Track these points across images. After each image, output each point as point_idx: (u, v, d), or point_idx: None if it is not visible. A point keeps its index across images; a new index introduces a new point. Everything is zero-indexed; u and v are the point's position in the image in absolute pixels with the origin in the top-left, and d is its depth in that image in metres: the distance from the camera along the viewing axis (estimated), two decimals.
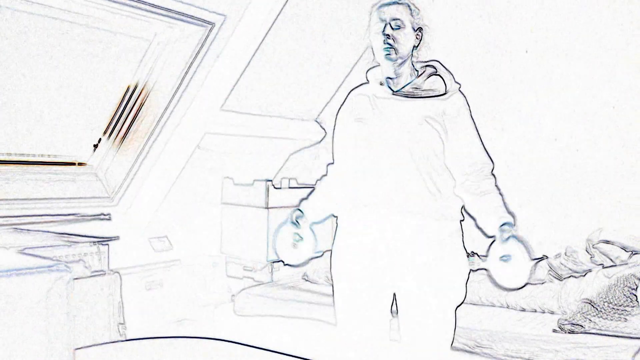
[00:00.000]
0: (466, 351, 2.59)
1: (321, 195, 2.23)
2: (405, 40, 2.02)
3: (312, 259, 2.24)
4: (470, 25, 3.56)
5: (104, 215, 3.36)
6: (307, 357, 2.85)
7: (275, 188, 3.76)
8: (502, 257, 1.94)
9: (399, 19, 2.02)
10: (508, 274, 1.97)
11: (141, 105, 3.31)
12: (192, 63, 3.13)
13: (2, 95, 2.82)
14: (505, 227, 1.96)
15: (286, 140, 4.06)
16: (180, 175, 3.61)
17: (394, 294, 2.05)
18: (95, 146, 3.39)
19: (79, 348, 2.80)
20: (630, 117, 3.16)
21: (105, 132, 3.37)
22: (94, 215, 3.31)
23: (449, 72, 2.11)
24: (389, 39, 2.00)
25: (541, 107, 3.39)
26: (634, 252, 3.04)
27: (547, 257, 3.28)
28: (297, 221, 2.20)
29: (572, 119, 3.32)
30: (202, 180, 3.82)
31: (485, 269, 3.30)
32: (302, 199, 2.28)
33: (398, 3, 2.04)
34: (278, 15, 3.20)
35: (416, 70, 2.09)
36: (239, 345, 3.00)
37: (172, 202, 3.68)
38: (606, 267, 2.96)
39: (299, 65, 3.67)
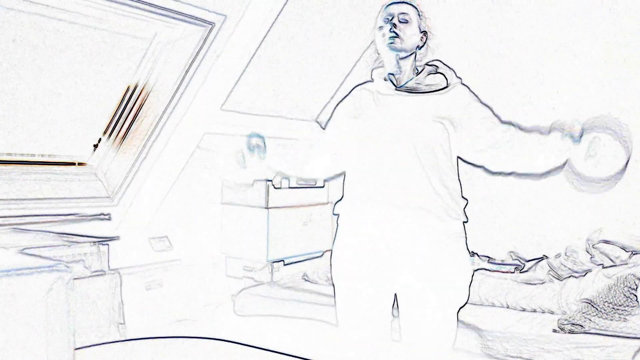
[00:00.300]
0: (466, 351, 2.59)
1: (293, 151, 2.29)
2: (410, 34, 2.04)
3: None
4: (471, 26, 3.56)
5: (104, 215, 3.36)
6: (307, 357, 2.86)
7: (275, 188, 3.76)
8: (589, 148, 1.92)
9: (406, 13, 2.04)
10: (602, 161, 1.97)
11: (141, 105, 3.31)
12: (192, 63, 3.13)
13: (2, 96, 2.82)
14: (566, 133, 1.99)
15: (286, 140, 4.05)
16: (180, 175, 3.61)
17: (395, 294, 2.05)
18: (95, 146, 3.39)
19: (79, 348, 2.80)
20: (630, 117, 3.16)
21: (105, 132, 3.37)
22: (94, 215, 3.31)
23: (450, 68, 2.13)
24: (395, 27, 2.01)
25: (541, 108, 3.39)
26: (634, 252, 3.04)
27: (547, 257, 3.28)
28: (254, 149, 2.25)
29: (572, 119, 3.31)
30: (202, 180, 3.82)
31: (487, 269, 3.30)
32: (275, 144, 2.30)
33: (406, 3, 2.07)
34: (278, 15, 3.20)
35: (418, 71, 2.10)
36: (239, 345, 3.00)
37: (172, 202, 3.68)
38: (606, 267, 2.96)
39: (299, 65, 3.67)
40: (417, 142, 1.98)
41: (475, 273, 3.23)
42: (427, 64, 2.13)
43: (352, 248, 2.06)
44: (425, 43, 2.10)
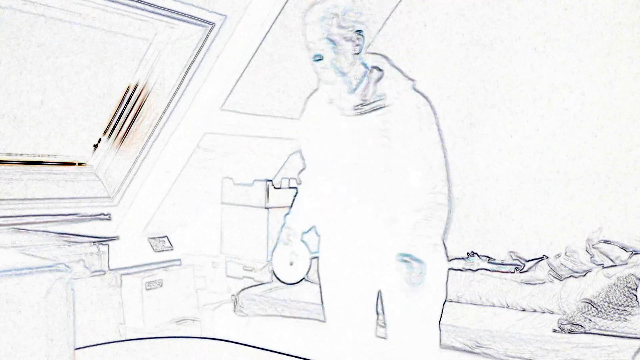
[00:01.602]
0: (466, 351, 2.59)
1: (302, 206, 2.20)
2: (338, 59, 1.93)
3: (309, 269, 2.30)
4: (466, 25, 3.56)
5: (104, 215, 3.36)
6: (307, 357, 2.86)
7: (275, 188, 3.76)
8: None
9: (321, 57, 1.93)
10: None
11: (141, 105, 3.31)
12: (192, 63, 3.13)
13: (2, 95, 2.82)
14: None
15: (286, 140, 4.05)
16: (180, 175, 3.61)
17: (380, 292, 2.06)
18: (95, 146, 3.39)
19: (79, 348, 2.80)
20: (630, 117, 3.16)
21: (105, 132, 3.37)
22: (94, 215, 3.31)
23: (398, 68, 1.99)
24: (318, 60, 1.95)
25: (541, 107, 3.39)
26: (634, 252, 3.04)
27: (547, 257, 3.28)
28: (289, 239, 2.19)
29: (573, 119, 3.32)
30: (202, 180, 3.82)
31: (487, 269, 3.31)
32: (286, 214, 2.27)
33: (323, 20, 1.94)
34: (278, 15, 3.20)
35: (366, 67, 1.98)
36: (239, 345, 3.00)
37: (172, 202, 3.68)
38: (606, 267, 2.96)
39: (299, 65, 3.67)
40: (365, 163, 1.94)
41: (475, 273, 3.23)
42: (374, 67, 1.99)
43: (335, 249, 2.08)
44: (361, 44, 1.96)
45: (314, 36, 1.96)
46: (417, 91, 1.95)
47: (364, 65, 1.97)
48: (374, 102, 1.92)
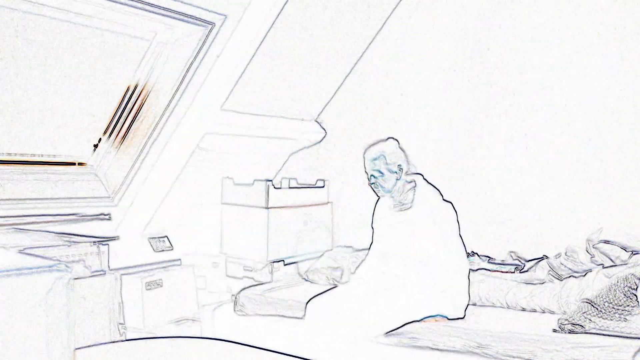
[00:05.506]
0: (466, 351, 2.59)
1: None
2: (384, 182, 3.02)
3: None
4: (467, 28, 3.56)
5: (104, 215, 3.36)
6: (307, 357, 2.86)
7: (275, 188, 3.76)
8: None
9: (373, 174, 3.04)
10: None
11: (141, 105, 3.32)
12: (192, 63, 3.13)
13: (2, 95, 2.82)
14: None
15: (286, 140, 4.06)
16: (180, 175, 3.61)
17: None
18: (95, 146, 3.39)
19: (79, 348, 2.80)
20: (630, 117, 3.16)
21: (105, 132, 3.37)
22: (94, 215, 3.31)
23: (429, 183, 3.05)
24: (373, 183, 3.06)
25: (541, 108, 3.39)
26: (634, 252, 3.04)
27: (547, 257, 3.28)
28: None
29: (572, 119, 3.32)
30: (202, 180, 3.82)
31: (487, 269, 3.31)
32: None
33: (374, 160, 3.02)
34: (278, 15, 3.20)
35: (407, 182, 3.02)
36: (239, 345, 3.00)
37: (172, 202, 3.68)
38: (606, 267, 2.96)
39: (299, 65, 3.67)
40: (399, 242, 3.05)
41: (475, 273, 3.23)
42: (412, 181, 3.02)
43: None
44: (400, 174, 3.02)
45: (369, 168, 3.05)
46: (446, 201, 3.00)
47: (406, 181, 3.03)
48: (403, 205, 3.01)
